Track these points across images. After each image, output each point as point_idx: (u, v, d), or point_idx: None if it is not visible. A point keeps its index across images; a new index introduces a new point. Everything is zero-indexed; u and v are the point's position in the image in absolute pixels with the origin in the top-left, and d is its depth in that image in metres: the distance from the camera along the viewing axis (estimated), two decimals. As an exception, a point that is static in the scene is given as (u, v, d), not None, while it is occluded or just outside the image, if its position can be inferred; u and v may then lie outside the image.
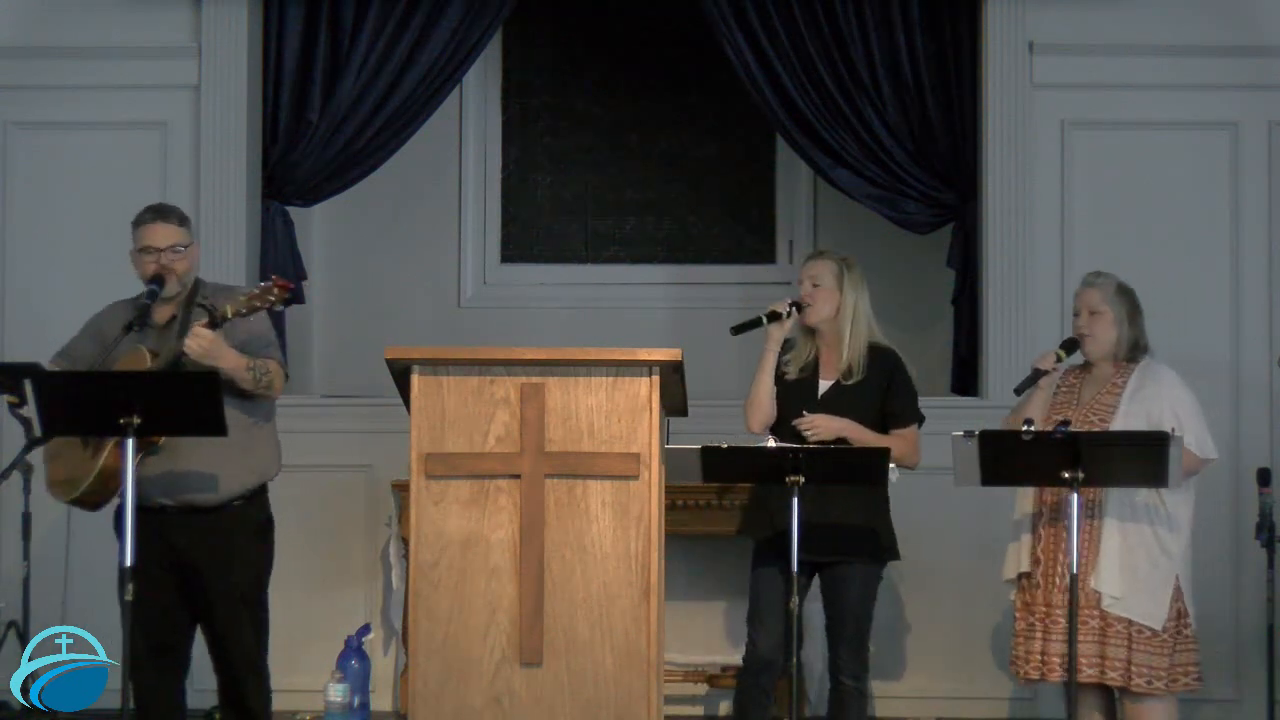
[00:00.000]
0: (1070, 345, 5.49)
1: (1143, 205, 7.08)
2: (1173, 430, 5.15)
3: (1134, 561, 5.33)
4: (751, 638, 5.63)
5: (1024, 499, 5.52)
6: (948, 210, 7.30)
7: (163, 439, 5.10)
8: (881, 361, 5.68)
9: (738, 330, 5.68)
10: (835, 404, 5.61)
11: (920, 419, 5.71)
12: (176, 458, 5.18)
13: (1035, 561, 5.44)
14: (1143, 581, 5.34)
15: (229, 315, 5.09)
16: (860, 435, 5.57)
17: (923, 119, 7.25)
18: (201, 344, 5.05)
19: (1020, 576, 5.49)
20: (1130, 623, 5.33)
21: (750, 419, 5.66)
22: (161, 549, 5.18)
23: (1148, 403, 5.42)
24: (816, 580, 5.62)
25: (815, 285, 5.66)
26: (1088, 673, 5.32)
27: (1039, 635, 5.41)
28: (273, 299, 5.10)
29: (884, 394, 5.65)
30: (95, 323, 5.43)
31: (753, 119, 7.79)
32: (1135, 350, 5.53)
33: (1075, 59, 7.10)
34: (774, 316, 5.62)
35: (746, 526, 5.84)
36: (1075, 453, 5.06)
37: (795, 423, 5.55)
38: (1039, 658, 5.40)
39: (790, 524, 5.17)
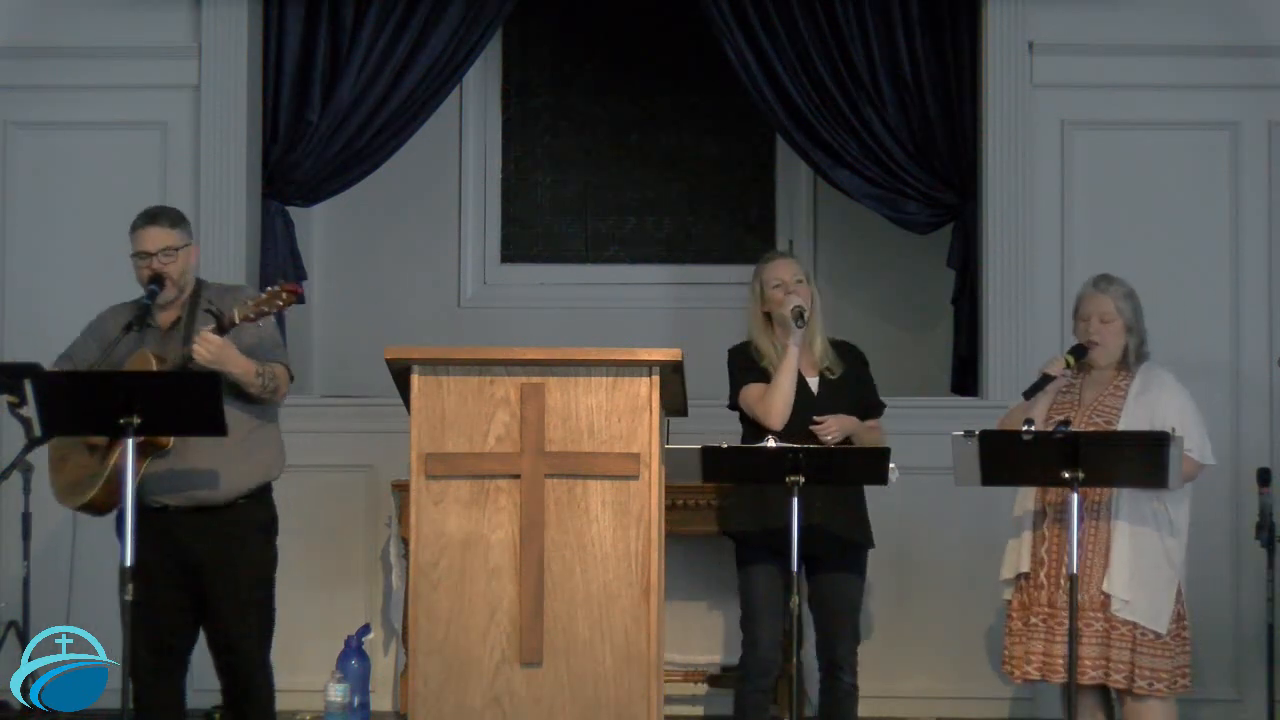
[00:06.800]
0: (1079, 352, 5.47)
1: (1143, 205, 7.08)
2: (1173, 430, 5.15)
3: (1142, 565, 5.33)
4: (753, 640, 5.61)
5: (1025, 495, 5.52)
6: (948, 210, 7.30)
7: (171, 442, 5.10)
8: (851, 355, 5.76)
9: (797, 321, 5.52)
10: (830, 400, 5.64)
11: (883, 408, 5.78)
12: (181, 457, 5.17)
13: (1039, 562, 5.42)
14: (1150, 585, 5.33)
15: (236, 320, 5.07)
16: (860, 431, 5.64)
17: (923, 119, 7.24)
18: (210, 350, 5.05)
19: (1019, 576, 5.49)
20: (1135, 625, 5.32)
21: (773, 416, 5.54)
22: (167, 548, 5.17)
23: (1151, 405, 5.42)
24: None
25: (800, 283, 5.66)
26: (1091, 674, 5.32)
27: (1041, 635, 5.39)
28: (281, 303, 5.09)
29: (862, 387, 5.72)
30: (97, 325, 5.42)
31: (753, 119, 7.78)
32: (1138, 353, 5.53)
33: (1075, 59, 7.09)
34: (799, 315, 5.55)
35: (731, 522, 5.74)
36: (1075, 453, 5.06)
37: (813, 427, 5.55)
38: (1041, 658, 5.39)
39: (790, 523, 5.16)
